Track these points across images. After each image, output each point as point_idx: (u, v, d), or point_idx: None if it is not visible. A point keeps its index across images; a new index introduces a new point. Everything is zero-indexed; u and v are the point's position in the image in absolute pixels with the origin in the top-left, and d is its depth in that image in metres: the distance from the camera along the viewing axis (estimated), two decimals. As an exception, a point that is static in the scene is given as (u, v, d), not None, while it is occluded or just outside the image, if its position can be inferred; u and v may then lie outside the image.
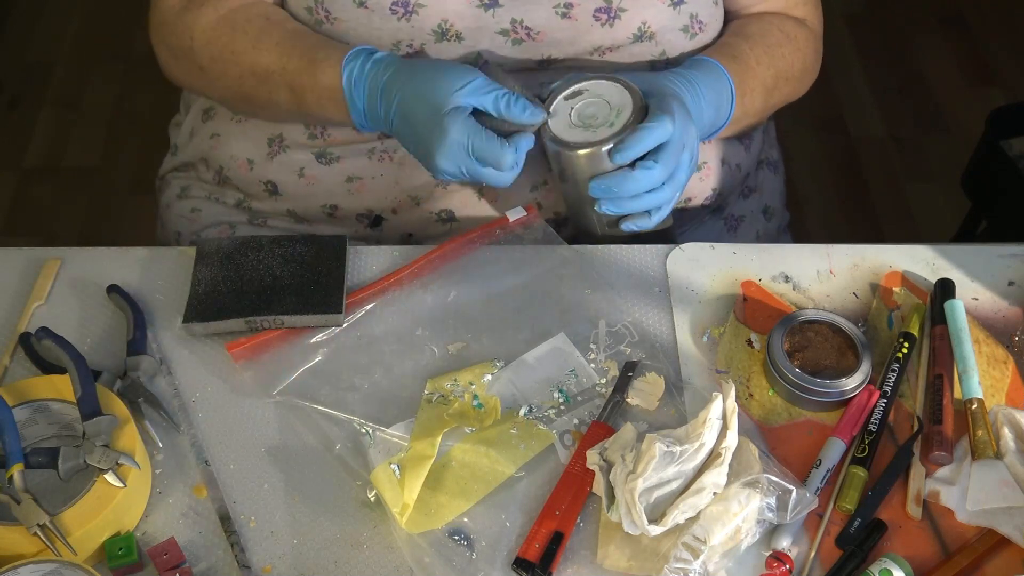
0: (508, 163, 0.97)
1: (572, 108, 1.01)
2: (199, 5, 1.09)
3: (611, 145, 0.97)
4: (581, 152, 0.99)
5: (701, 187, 1.18)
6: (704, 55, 1.10)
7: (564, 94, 1.02)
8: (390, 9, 1.05)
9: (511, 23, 1.06)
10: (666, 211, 1.02)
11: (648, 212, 1.01)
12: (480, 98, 0.97)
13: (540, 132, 1.01)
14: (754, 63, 1.11)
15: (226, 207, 1.21)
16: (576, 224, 1.10)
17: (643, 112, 0.98)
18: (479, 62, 1.08)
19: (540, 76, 1.10)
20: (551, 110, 1.01)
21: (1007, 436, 0.89)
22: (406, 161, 1.12)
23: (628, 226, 1.02)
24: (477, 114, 0.99)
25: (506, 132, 0.98)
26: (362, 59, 1.02)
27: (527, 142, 0.99)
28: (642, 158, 0.97)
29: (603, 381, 0.97)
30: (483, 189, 1.13)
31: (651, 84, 1.02)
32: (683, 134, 0.97)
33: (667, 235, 1.11)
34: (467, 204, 1.14)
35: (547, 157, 1.05)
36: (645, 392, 0.96)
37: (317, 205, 1.16)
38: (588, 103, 1.01)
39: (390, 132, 1.03)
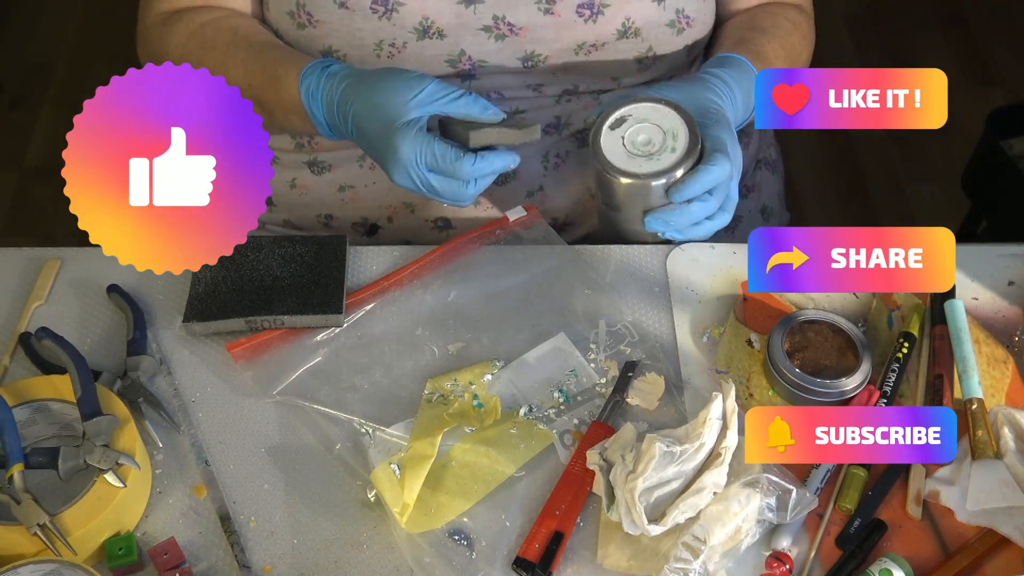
0: (465, 173, 0.93)
1: (623, 135, 0.97)
2: (174, 22, 1.09)
3: (676, 176, 0.94)
4: (645, 183, 0.95)
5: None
6: (732, 52, 1.08)
7: (609, 122, 0.98)
8: (370, 8, 1.05)
9: (493, 19, 1.06)
10: (719, 227, 1.00)
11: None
12: (433, 105, 0.94)
13: (593, 161, 0.97)
14: (773, 57, 1.10)
15: None
16: (615, 238, 1.08)
17: (696, 136, 0.95)
18: (462, 58, 1.08)
19: (528, 78, 1.10)
20: (600, 136, 0.98)
21: (1007, 436, 0.89)
22: None
23: (683, 238, 1.00)
24: (446, 124, 0.97)
25: (482, 146, 0.95)
26: (317, 73, 0.99)
27: (504, 159, 0.95)
28: None
29: (603, 381, 0.97)
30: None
31: (695, 99, 0.99)
32: (734, 161, 0.96)
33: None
34: (462, 211, 1.14)
35: (595, 183, 1.02)
36: (645, 392, 0.96)
37: (312, 215, 1.17)
38: (638, 128, 0.97)
39: (354, 143, 1.00)
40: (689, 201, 0.95)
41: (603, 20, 1.07)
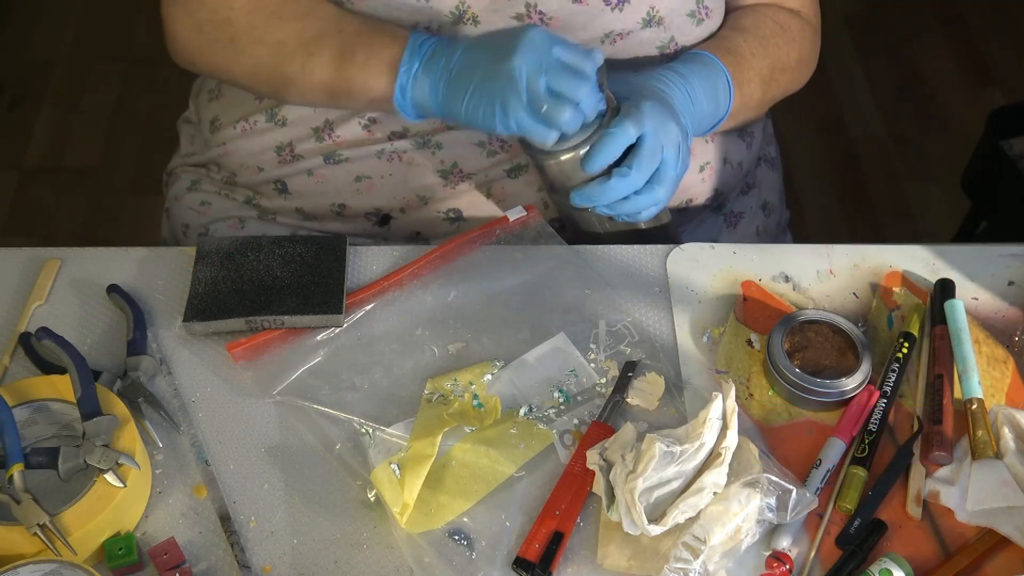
0: (590, 78, 0.95)
1: None
2: None
3: (585, 150, 0.97)
4: (557, 160, 0.99)
5: (703, 187, 1.19)
6: (698, 49, 1.10)
7: None
8: None
9: (525, 7, 1.06)
10: (659, 207, 1.02)
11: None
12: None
13: (521, 146, 1.01)
14: (748, 54, 1.12)
15: (236, 203, 1.21)
16: (576, 230, 1.10)
17: (614, 111, 0.99)
18: None
19: None
20: None
21: (1007, 436, 0.89)
22: (415, 162, 1.12)
23: (622, 216, 1.02)
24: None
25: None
26: (427, 35, 1.02)
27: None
28: (619, 163, 0.98)
29: (603, 381, 0.97)
30: (491, 189, 1.13)
31: (633, 85, 1.02)
32: (658, 134, 0.97)
33: (668, 233, 1.11)
34: (475, 204, 1.14)
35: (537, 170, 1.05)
36: (645, 392, 0.96)
37: (326, 204, 1.16)
38: None
39: (438, 94, 0.99)
40: (609, 175, 0.98)
41: (629, 9, 1.08)
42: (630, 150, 0.98)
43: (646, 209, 1.01)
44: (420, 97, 1.00)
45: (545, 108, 0.94)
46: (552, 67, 0.94)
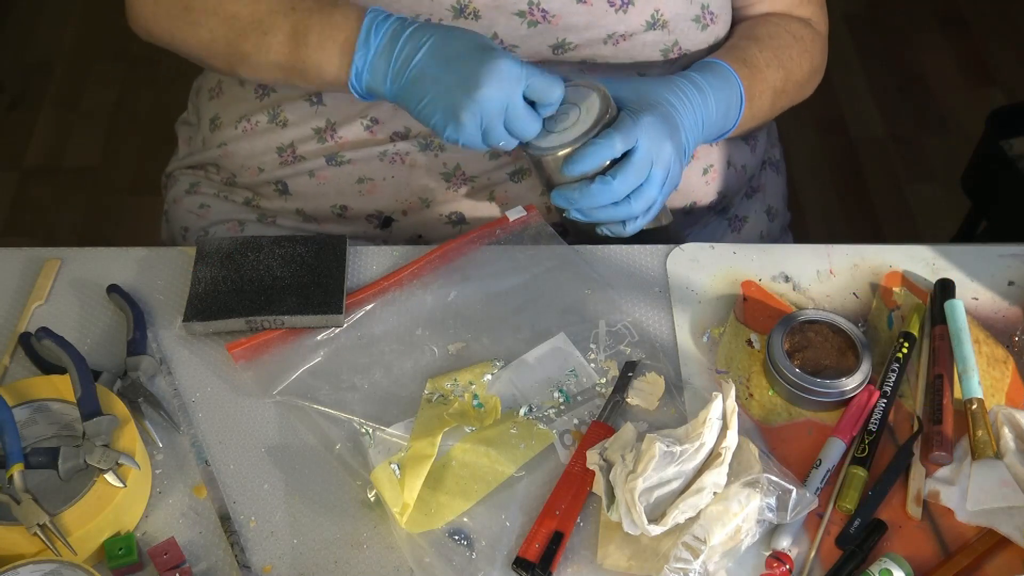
0: (556, 96, 0.95)
1: (547, 115, 1.00)
2: None
3: (566, 151, 0.97)
4: (538, 156, 0.98)
5: (707, 190, 1.18)
6: (714, 58, 1.10)
7: None
8: None
9: (528, 4, 1.06)
10: (641, 223, 1.01)
11: (622, 222, 1.01)
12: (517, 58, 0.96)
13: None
14: (763, 66, 1.11)
15: (235, 205, 1.21)
16: (575, 228, 1.10)
17: (609, 119, 0.97)
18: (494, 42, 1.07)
19: (555, 67, 1.09)
20: None
21: (1007, 436, 0.89)
22: (417, 164, 1.12)
23: (603, 231, 1.02)
24: None
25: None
26: (385, 15, 1.00)
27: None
28: (605, 171, 0.97)
29: (603, 381, 0.97)
30: (494, 192, 1.13)
31: (642, 92, 1.01)
32: (651, 150, 0.96)
33: (672, 234, 1.10)
34: (477, 207, 1.14)
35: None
36: (645, 392, 0.96)
37: (327, 205, 1.16)
38: (563, 109, 0.99)
39: (392, 87, 0.98)
40: (591, 181, 0.97)
41: (633, 11, 1.08)
42: (624, 156, 0.97)
43: (620, 219, 1.00)
44: (374, 85, 0.99)
45: (501, 144, 0.96)
46: (514, 110, 0.94)
